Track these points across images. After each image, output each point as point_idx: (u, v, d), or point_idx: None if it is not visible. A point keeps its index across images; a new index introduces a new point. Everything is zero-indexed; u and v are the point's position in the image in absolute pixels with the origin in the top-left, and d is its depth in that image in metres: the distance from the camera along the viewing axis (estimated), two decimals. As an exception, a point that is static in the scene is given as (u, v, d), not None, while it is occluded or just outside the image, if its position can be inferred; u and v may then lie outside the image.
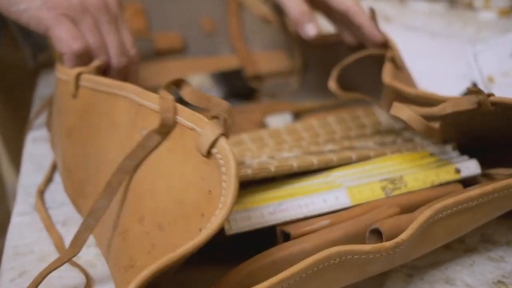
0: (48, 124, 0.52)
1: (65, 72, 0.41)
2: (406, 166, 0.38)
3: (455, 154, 0.40)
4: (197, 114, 0.28)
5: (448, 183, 0.37)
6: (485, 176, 0.38)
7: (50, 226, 0.39)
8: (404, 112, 0.33)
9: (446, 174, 0.37)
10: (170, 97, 0.29)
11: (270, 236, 0.33)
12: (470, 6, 0.80)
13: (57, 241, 0.37)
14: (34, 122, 0.54)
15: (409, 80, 0.46)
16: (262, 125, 0.51)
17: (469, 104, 0.33)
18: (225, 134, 0.26)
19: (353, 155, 0.39)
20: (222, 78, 0.62)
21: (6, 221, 0.74)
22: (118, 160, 0.31)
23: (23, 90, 0.73)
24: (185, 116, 0.28)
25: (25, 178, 0.46)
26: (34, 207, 0.41)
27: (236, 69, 0.63)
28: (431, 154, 0.40)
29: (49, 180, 0.45)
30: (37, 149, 0.51)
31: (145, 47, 0.66)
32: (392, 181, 0.36)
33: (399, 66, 0.44)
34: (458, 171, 0.37)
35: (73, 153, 0.40)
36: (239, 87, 0.61)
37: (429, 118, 0.35)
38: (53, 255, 0.36)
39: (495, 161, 0.39)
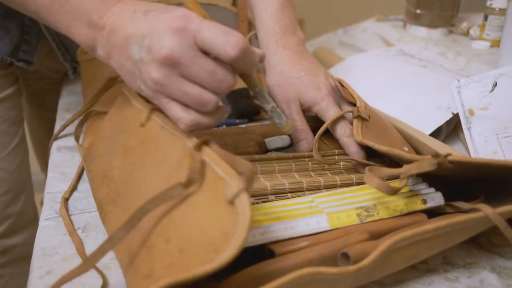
0: (77, 134, 0.59)
1: (140, 102, 0.47)
2: (381, 195, 0.43)
3: (424, 185, 0.45)
4: (229, 168, 0.34)
5: (415, 212, 0.43)
6: (450, 206, 0.44)
7: (72, 231, 0.45)
8: (374, 182, 0.39)
9: (414, 204, 0.43)
10: (199, 158, 0.36)
11: (260, 252, 0.39)
12: (466, 34, 0.85)
13: (78, 245, 0.43)
14: (59, 134, 0.61)
15: (378, 125, 0.52)
16: (262, 145, 0.57)
17: (430, 166, 0.39)
18: (247, 188, 0.32)
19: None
20: (229, 96, 0.68)
21: (32, 212, 0.81)
22: (158, 185, 0.38)
23: (52, 97, 0.80)
24: (220, 167, 0.35)
25: (51, 186, 0.53)
26: (59, 213, 0.48)
27: (243, 88, 0.69)
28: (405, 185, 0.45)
29: (73, 188, 0.51)
30: (61, 157, 0.58)
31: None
32: (367, 209, 0.42)
33: (366, 118, 0.51)
34: (424, 202, 0.43)
35: (121, 167, 0.46)
36: (244, 106, 0.67)
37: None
38: (75, 257, 0.42)
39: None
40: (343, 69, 0.76)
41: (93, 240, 0.44)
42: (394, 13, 1.02)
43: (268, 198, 0.46)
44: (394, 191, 0.40)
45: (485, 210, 0.38)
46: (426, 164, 0.40)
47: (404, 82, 0.67)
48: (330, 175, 0.51)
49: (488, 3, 0.77)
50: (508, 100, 0.56)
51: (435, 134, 0.61)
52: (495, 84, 0.57)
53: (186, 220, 0.35)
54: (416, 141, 0.56)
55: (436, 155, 0.39)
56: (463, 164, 0.40)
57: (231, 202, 0.32)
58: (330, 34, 0.96)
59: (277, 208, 0.42)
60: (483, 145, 0.55)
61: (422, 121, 0.60)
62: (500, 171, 0.42)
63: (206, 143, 0.38)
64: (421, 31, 0.85)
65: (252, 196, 0.46)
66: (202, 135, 0.59)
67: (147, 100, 0.46)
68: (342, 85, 0.57)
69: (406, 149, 0.54)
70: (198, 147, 0.37)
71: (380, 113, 0.62)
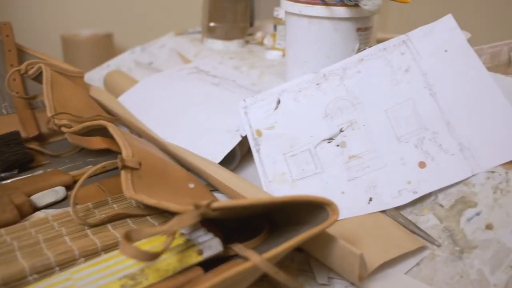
0: None
1: None
2: (151, 255, 0.38)
3: (202, 232, 0.41)
4: None
5: (192, 266, 0.38)
6: (231, 249, 0.40)
7: None
8: (128, 251, 0.33)
9: (189, 258, 0.38)
10: None
11: None
12: (262, 44, 0.85)
13: None
14: None
15: (154, 170, 0.47)
16: (25, 206, 0.47)
17: (192, 218, 0.35)
18: None
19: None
20: (-7, 144, 0.57)
21: None
22: None
23: None
24: None
25: None
26: None
27: (11, 132, 0.58)
28: (181, 234, 0.40)
29: None
30: None
31: None
32: (133, 276, 0.35)
33: (135, 167, 0.45)
34: (200, 252, 0.38)
35: None
36: (12, 154, 0.57)
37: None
38: None
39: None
40: (135, 94, 0.69)
41: None
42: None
43: (29, 280, 0.37)
44: (154, 257, 0.34)
45: (253, 259, 0.34)
46: (188, 218, 0.35)
47: (195, 104, 0.63)
48: (111, 229, 0.44)
49: (275, 13, 0.77)
50: (291, 117, 0.55)
51: (230, 158, 0.58)
52: (279, 101, 0.56)
53: None
54: (204, 173, 0.52)
55: (197, 205, 0.35)
56: (229, 208, 0.36)
57: None
58: (128, 52, 0.88)
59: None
60: (272, 167, 0.53)
61: (213, 147, 0.56)
62: (273, 206, 0.39)
63: None
64: (218, 44, 0.82)
65: (6, 284, 0.37)
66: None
67: None
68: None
69: (192, 185, 0.50)
70: None
71: (163, 148, 0.57)
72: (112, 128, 0.50)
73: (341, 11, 0.57)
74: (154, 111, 0.66)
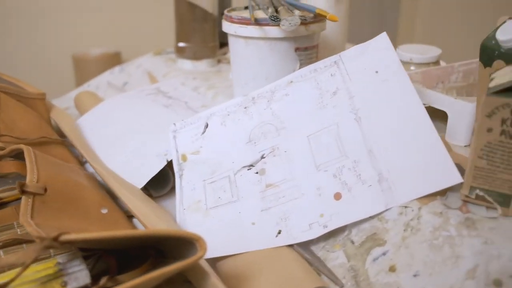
0: None
1: None
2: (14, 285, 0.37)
3: (77, 262, 0.39)
4: None
5: (55, 299, 0.37)
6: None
7: None
8: None
9: (51, 291, 0.37)
10: None
11: None
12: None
13: None
14: None
15: (62, 196, 0.47)
16: None
17: (35, 252, 0.34)
18: None
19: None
20: None
21: None
22: None
23: None
24: None
25: None
26: None
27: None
28: (57, 264, 0.39)
29: None
30: None
31: None
32: (-15, 308, 0.35)
33: (39, 193, 0.45)
34: (64, 284, 0.37)
35: None
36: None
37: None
38: None
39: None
40: (93, 116, 0.69)
41: None
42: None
43: None
44: None
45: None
46: (31, 251, 0.34)
47: (140, 126, 0.62)
48: (2, 255, 0.44)
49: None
50: (217, 142, 0.52)
51: (162, 182, 0.56)
52: (207, 125, 0.54)
53: None
54: (119, 198, 0.51)
55: (41, 238, 0.34)
56: (83, 242, 0.35)
57: None
58: (107, 72, 0.89)
59: None
60: (190, 194, 0.51)
61: (140, 171, 0.55)
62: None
63: None
64: (187, 64, 0.82)
65: None
66: None
67: None
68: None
69: (104, 211, 0.49)
70: None
71: (85, 172, 0.57)
72: (26, 152, 0.50)
73: (274, 31, 0.55)
74: (106, 133, 0.65)
